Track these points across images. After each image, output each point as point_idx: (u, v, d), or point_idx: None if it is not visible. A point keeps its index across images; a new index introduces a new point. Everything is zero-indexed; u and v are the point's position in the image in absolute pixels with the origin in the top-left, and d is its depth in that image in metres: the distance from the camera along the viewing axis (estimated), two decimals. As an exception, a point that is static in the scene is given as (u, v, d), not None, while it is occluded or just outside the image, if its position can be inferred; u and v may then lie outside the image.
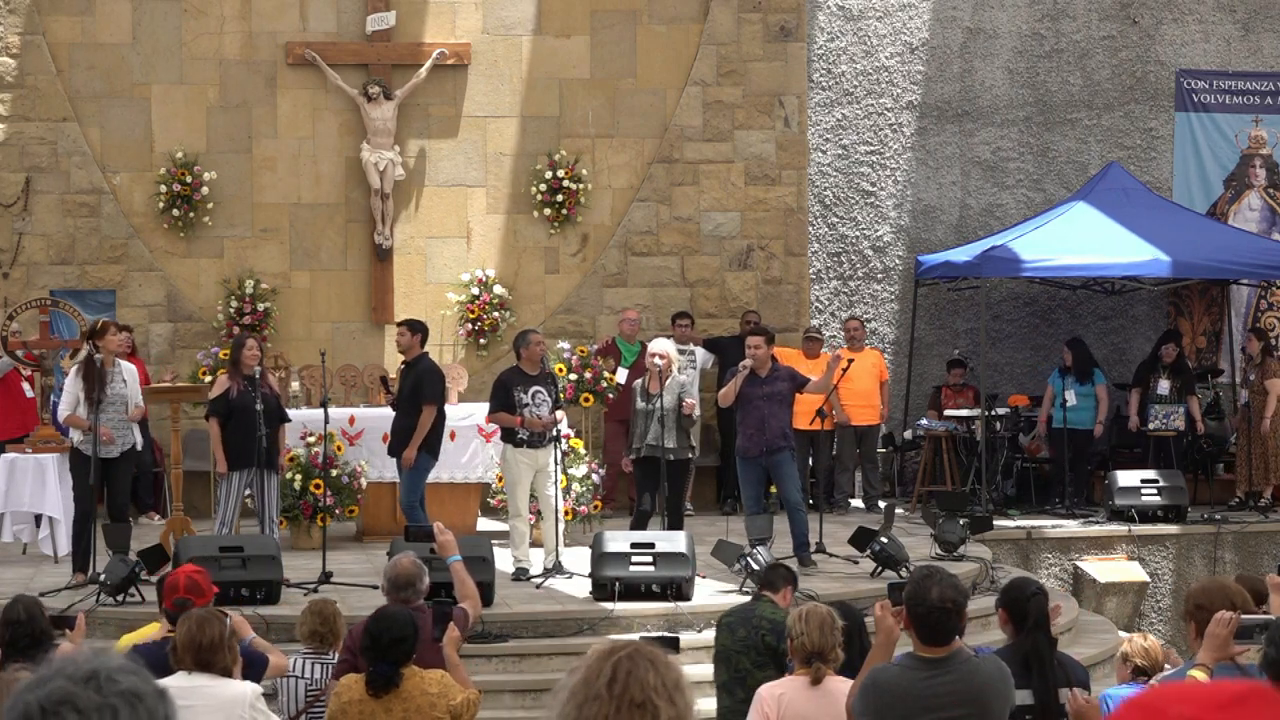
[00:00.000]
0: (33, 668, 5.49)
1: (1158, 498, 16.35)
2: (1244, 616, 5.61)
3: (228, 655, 6.88)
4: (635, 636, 9.43)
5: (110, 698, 2.31)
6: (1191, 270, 17.22)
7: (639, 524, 13.17)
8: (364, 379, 16.27)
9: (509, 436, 12.91)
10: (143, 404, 13.06)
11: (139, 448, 13.06)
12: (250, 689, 6.93)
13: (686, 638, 10.86)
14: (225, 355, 14.27)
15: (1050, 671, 6.55)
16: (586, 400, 15.99)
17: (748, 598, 12.06)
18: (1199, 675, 5.55)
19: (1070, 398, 17.09)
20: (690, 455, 13.50)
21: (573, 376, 15.79)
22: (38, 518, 13.85)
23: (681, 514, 13.56)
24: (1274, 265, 17.24)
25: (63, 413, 12.85)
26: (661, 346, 13.36)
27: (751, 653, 8.61)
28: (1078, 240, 16.81)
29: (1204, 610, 6.00)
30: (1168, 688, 2.47)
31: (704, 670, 11.47)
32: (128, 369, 13.05)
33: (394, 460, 13.58)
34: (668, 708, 3.02)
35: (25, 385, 15.47)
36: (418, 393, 13.23)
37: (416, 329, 13.55)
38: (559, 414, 13.03)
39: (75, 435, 12.70)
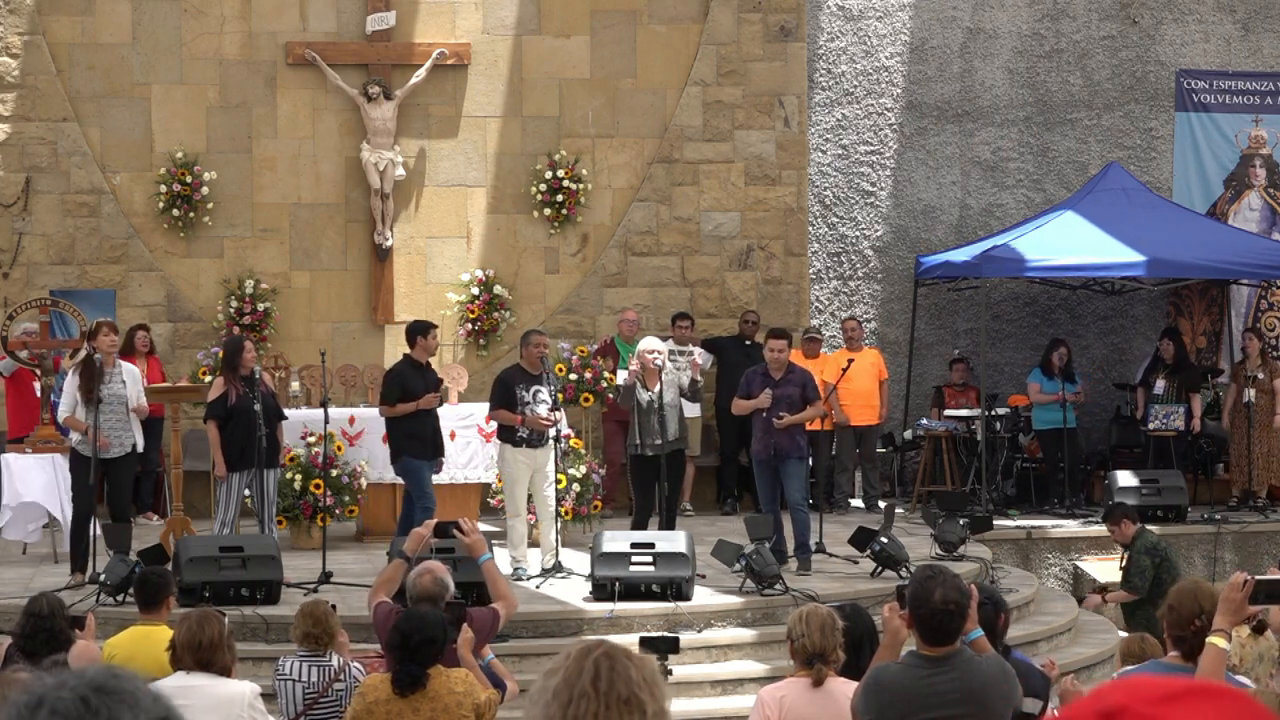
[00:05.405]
0: (36, 672, 5.42)
1: (1157, 498, 16.35)
2: (1258, 578, 5.61)
3: (227, 654, 6.88)
4: (634, 636, 9.41)
5: None
6: (1191, 270, 17.21)
7: (641, 522, 13.18)
8: (364, 379, 16.26)
9: (508, 435, 12.95)
10: (144, 403, 13.03)
11: (140, 448, 13.04)
12: (249, 688, 6.93)
13: (686, 638, 10.86)
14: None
15: None
16: (586, 400, 15.99)
17: (746, 598, 12.11)
18: (1218, 641, 5.53)
19: (1064, 397, 17.10)
20: (686, 446, 13.62)
21: (572, 376, 15.80)
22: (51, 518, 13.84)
23: (676, 511, 13.58)
24: (1274, 265, 17.23)
25: (62, 414, 12.82)
26: (653, 344, 13.43)
27: None
28: (1078, 240, 16.80)
29: (1174, 611, 6.01)
30: (1119, 681, 2.48)
31: (705, 670, 11.52)
32: (128, 369, 13.03)
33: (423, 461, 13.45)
34: (651, 702, 3.09)
35: (35, 385, 15.43)
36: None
37: None
38: (558, 414, 13.07)
39: (74, 436, 12.68)
